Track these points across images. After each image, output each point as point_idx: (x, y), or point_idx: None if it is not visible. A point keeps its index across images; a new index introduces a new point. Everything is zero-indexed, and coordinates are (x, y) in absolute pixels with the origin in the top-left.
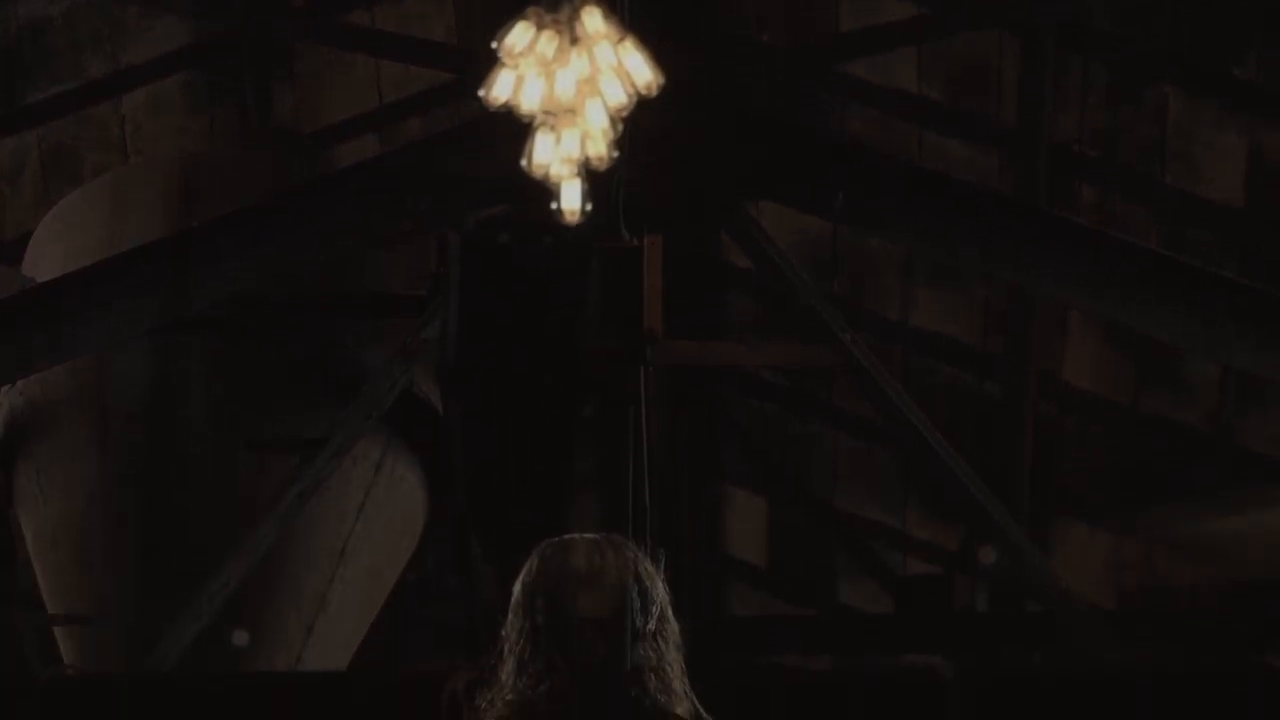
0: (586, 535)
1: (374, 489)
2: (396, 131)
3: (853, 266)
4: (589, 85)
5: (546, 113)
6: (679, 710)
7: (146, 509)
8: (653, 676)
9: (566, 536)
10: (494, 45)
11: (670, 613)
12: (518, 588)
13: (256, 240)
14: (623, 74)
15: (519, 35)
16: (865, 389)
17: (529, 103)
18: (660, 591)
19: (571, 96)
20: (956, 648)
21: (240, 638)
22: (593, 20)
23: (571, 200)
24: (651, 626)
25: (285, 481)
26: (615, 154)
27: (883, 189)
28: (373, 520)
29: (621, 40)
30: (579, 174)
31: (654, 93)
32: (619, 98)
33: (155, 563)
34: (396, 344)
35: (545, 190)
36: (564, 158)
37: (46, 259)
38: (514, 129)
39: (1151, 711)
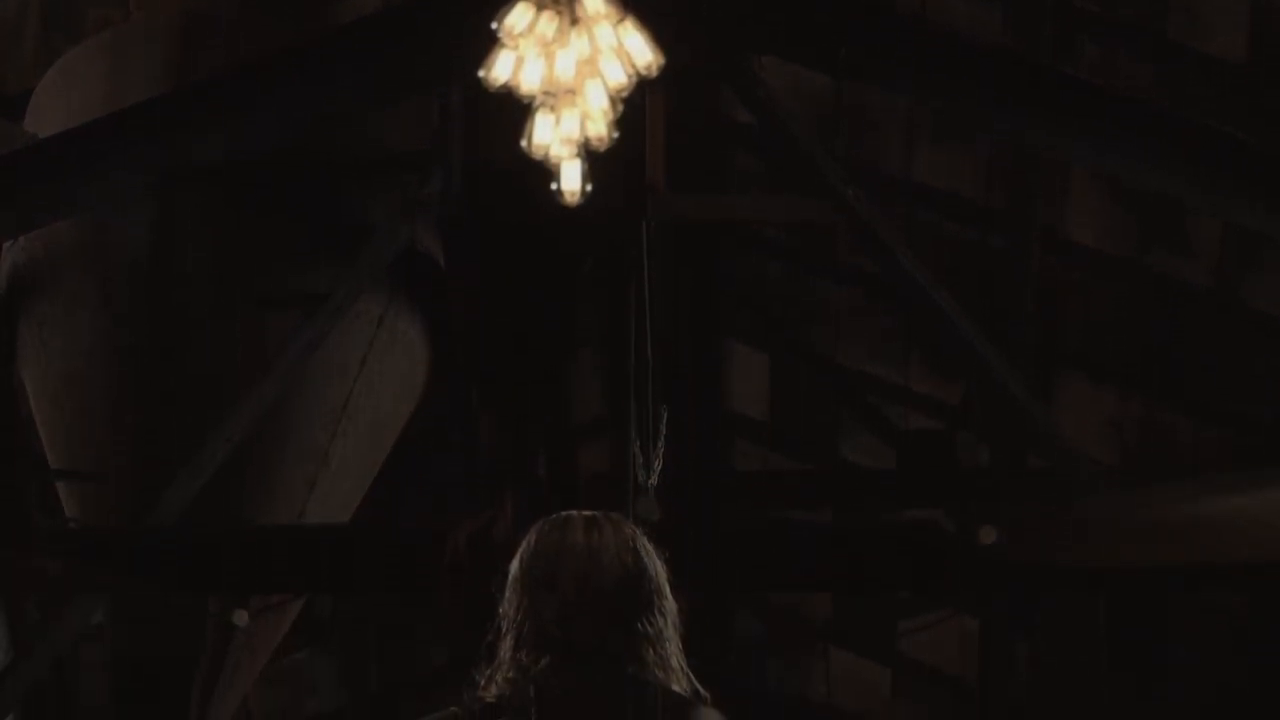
0: (585, 512)
1: (375, 344)
2: None
3: (854, 123)
4: (589, 66)
5: (546, 93)
6: (676, 687)
7: (148, 365)
8: (650, 653)
9: (564, 513)
10: (494, 26)
11: (668, 589)
12: (515, 563)
13: (258, 97)
14: (623, 55)
15: (519, 16)
16: (867, 244)
17: (529, 83)
18: (658, 568)
19: (571, 77)
20: (958, 503)
21: (240, 617)
22: (593, 1)
23: (572, 181)
24: (649, 604)
25: (287, 337)
26: (615, 135)
27: (887, 45)
28: (374, 375)
29: (621, 21)
30: (579, 154)
31: (654, 73)
32: (619, 78)
33: (157, 419)
34: (398, 199)
35: None
36: (564, 138)
37: (48, 115)
38: None
39: (1153, 564)
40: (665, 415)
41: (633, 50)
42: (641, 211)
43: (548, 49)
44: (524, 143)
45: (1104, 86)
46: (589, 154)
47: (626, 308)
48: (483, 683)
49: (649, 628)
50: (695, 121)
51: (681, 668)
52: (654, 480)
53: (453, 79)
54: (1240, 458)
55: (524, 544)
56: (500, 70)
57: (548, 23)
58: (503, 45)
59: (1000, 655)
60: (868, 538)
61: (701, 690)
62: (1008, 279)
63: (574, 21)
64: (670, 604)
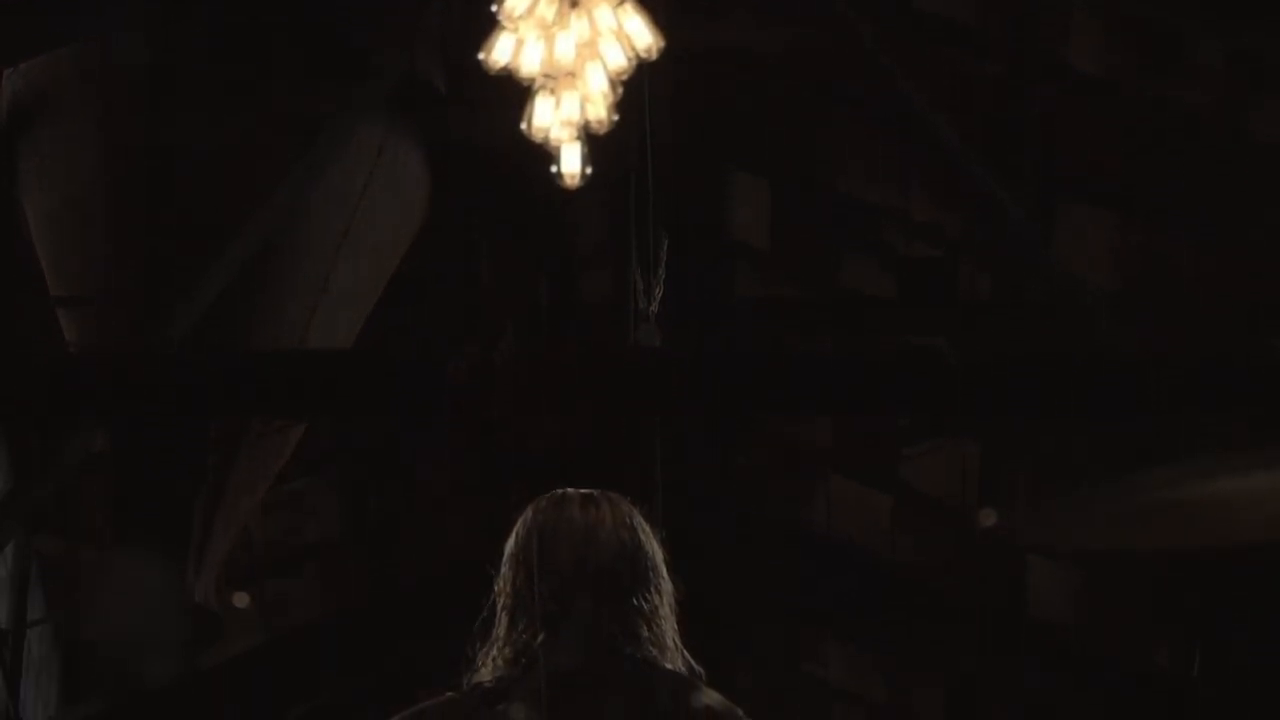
0: (582, 490)
1: (376, 172)
2: None
3: None
4: (589, 49)
5: (546, 76)
6: (671, 665)
7: (148, 190)
8: (646, 630)
9: (561, 490)
10: (494, 8)
11: (664, 568)
12: (512, 540)
13: None
14: (623, 37)
15: None
16: (869, 69)
17: (529, 66)
18: (655, 546)
19: (571, 60)
20: (958, 330)
21: (240, 599)
22: None
23: (571, 163)
24: (646, 581)
25: (287, 165)
26: (615, 118)
27: None
28: (375, 203)
29: (622, 3)
30: (579, 137)
31: (654, 56)
32: (619, 61)
33: (157, 245)
34: (399, 25)
35: None
36: (564, 121)
37: None
38: None
39: (1152, 392)
40: (666, 243)
41: (633, 33)
42: None
43: (548, 32)
44: (524, 125)
45: None
46: (589, 137)
47: (627, 134)
48: (480, 662)
49: (645, 604)
50: None
51: (677, 645)
52: (655, 307)
53: None
54: (1239, 287)
55: (521, 520)
56: (500, 53)
57: (547, 5)
58: (502, 28)
59: (1000, 484)
60: (868, 362)
61: (697, 668)
62: (1008, 107)
63: (574, 4)
64: (666, 583)
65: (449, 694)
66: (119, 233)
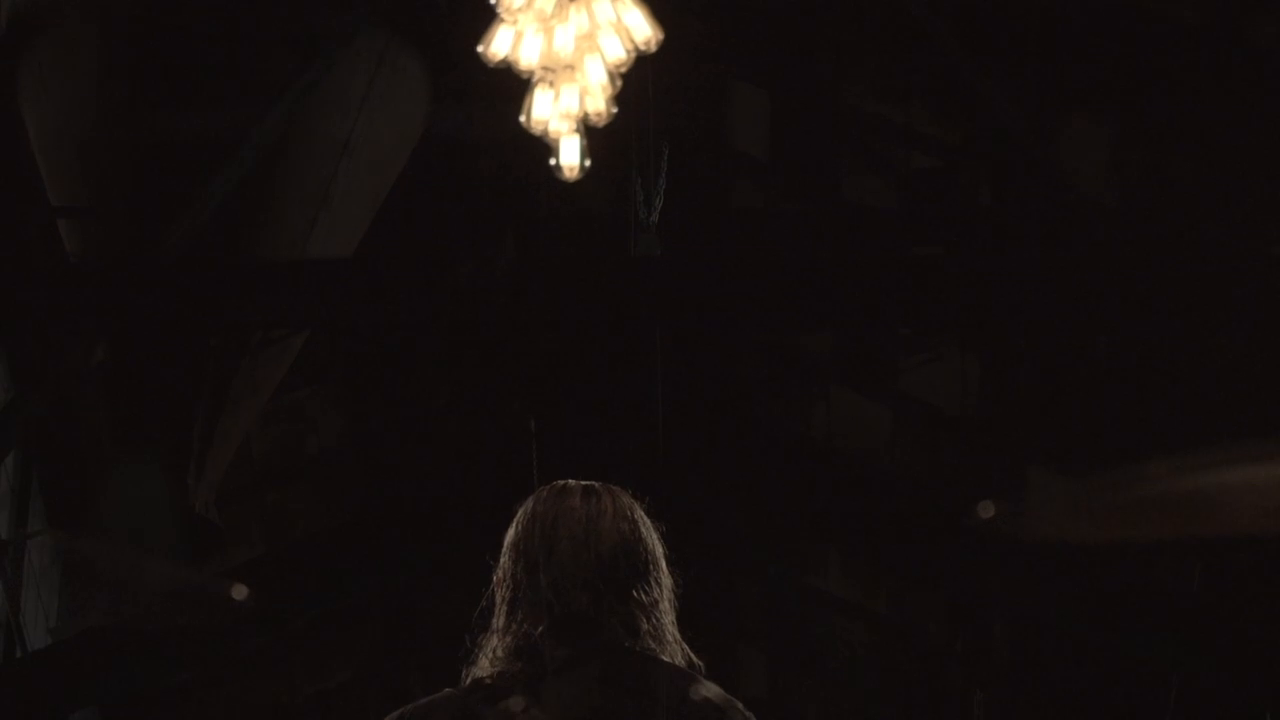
0: (583, 481)
1: (376, 81)
2: None
3: None
4: (588, 41)
5: (545, 68)
6: (667, 657)
7: (149, 100)
8: (645, 622)
9: (562, 481)
10: (493, 1)
11: (664, 562)
12: (513, 530)
13: None
14: (621, 30)
15: None
16: None
17: (528, 58)
18: (655, 538)
19: (570, 52)
20: (959, 241)
21: (240, 591)
22: None
23: (570, 156)
24: (645, 573)
25: (289, 73)
26: (614, 110)
27: None
28: (376, 112)
29: None
30: (577, 129)
31: (653, 48)
32: (618, 53)
33: (158, 155)
34: None
35: None
36: (563, 113)
37: None
38: None
39: (1150, 303)
40: (666, 153)
41: (631, 25)
42: None
43: (547, 24)
44: (523, 118)
45: None
46: (587, 129)
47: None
48: (479, 656)
49: (644, 596)
50: None
51: (676, 639)
52: (655, 217)
53: None
54: (1238, 200)
55: (521, 511)
56: (499, 45)
57: None
58: (502, 20)
59: (999, 393)
60: (869, 270)
61: (696, 660)
62: (1006, 15)
63: None
64: (666, 577)
65: (447, 690)
66: (119, 143)
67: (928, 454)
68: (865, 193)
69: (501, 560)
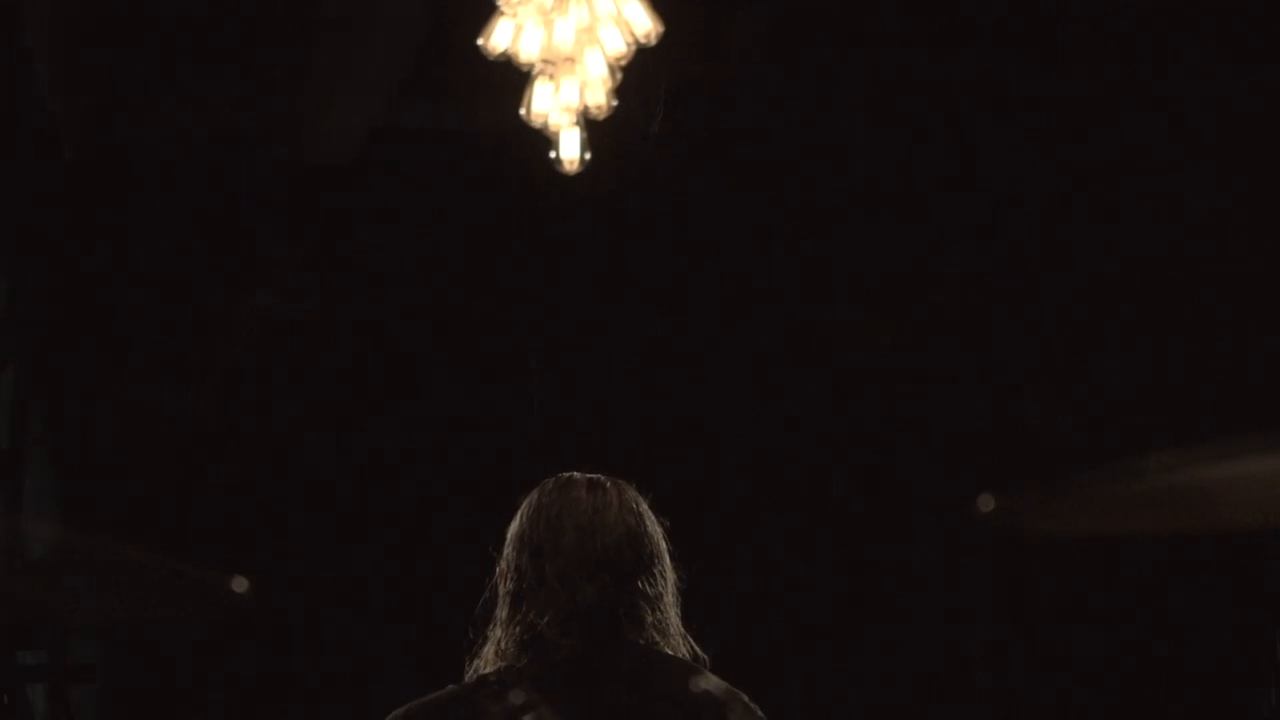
0: (589, 474)
1: None
2: None
3: None
4: (588, 34)
5: (545, 61)
6: (674, 651)
7: None
8: (649, 615)
9: (567, 474)
10: None
11: (668, 556)
12: (517, 522)
13: None
14: (622, 23)
15: None
16: None
17: (527, 51)
18: (659, 532)
19: (570, 45)
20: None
21: (239, 584)
22: None
23: (570, 149)
24: (649, 566)
25: None
26: (614, 103)
27: None
28: None
29: None
30: (578, 123)
31: (653, 41)
32: (618, 46)
33: (162, 52)
34: None
35: None
36: (562, 106)
37: None
38: None
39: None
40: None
41: (632, 18)
42: None
43: (547, 17)
44: (522, 111)
45: None
46: (588, 122)
47: None
48: (484, 647)
49: (648, 588)
50: None
51: (680, 632)
52: (655, 128)
53: None
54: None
55: (526, 502)
56: (499, 38)
57: None
58: (501, 13)
59: None
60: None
61: (700, 654)
62: None
63: None
64: (670, 571)
65: (450, 688)
66: (120, 40)
67: None
68: None
69: (505, 552)
